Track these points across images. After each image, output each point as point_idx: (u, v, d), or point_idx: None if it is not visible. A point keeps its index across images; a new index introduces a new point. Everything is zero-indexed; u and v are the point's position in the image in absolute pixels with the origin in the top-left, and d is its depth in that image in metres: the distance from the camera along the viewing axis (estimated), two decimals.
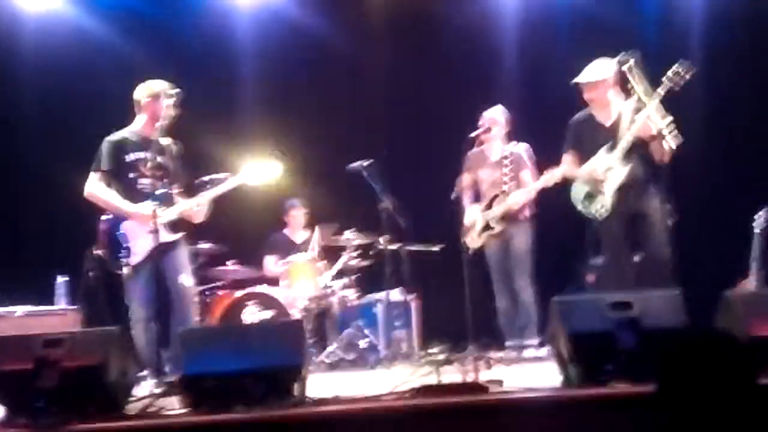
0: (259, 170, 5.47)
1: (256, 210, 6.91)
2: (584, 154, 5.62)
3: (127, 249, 5.18)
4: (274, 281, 7.11)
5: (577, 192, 5.64)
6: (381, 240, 6.92)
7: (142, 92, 5.41)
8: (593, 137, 5.58)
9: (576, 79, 5.58)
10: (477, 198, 6.47)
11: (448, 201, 5.91)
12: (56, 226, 7.36)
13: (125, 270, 5.15)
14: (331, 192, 7.34)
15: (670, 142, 5.28)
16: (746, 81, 7.31)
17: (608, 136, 5.50)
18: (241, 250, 7.31)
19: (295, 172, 5.85)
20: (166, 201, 5.31)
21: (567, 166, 5.77)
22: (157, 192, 5.25)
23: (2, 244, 7.40)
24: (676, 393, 3.13)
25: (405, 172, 7.28)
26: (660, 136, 5.29)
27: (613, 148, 5.46)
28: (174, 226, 5.33)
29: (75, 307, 6.38)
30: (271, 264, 7.39)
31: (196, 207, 5.39)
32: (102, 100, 7.03)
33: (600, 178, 5.49)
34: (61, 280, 6.48)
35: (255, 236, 7.52)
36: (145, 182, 5.28)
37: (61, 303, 6.43)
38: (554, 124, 6.02)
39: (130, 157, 5.31)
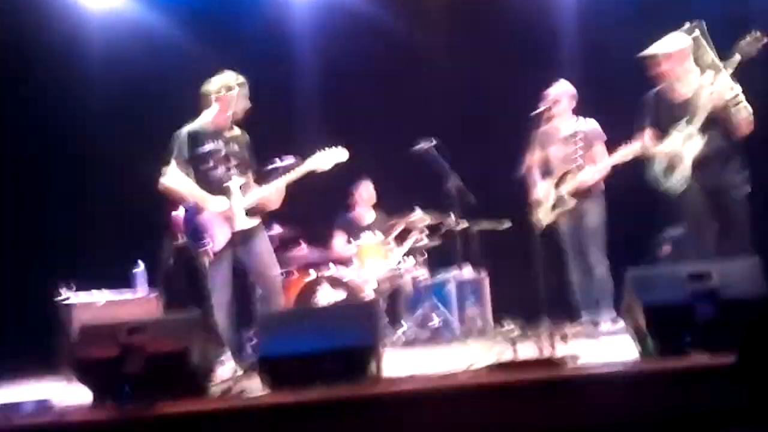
0: (327, 156, 5.59)
1: (324, 193, 6.98)
2: (660, 129, 5.53)
3: (209, 237, 5.33)
4: (344, 263, 7.19)
5: (655, 167, 5.56)
6: (449, 218, 6.99)
7: (215, 84, 5.49)
8: (669, 111, 5.48)
9: (646, 51, 5.48)
10: (546, 174, 6.43)
11: (514, 178, 5.85)
12: (128, 217, 7.52)
13: (207, 257, 5.29)
14: (397, 173, 7.37)
15: (742, 111, 5.20)
16: None
17: (684, 109, 5.40)
18: (311, 233, 7.41)
19: (360, 155, 5.91)
20: (241, 189, 5.45)
21: (643, 141, 5.70)
22: (231, 182, 5.42)
23: (78, 234, 7.63)
24: (756, 363, 3.09)
25: (470, 151, 7.26)
26: (732, 107, 5.20)
27: (689, 121, 5.36)
28: (250, 212, 5.46)
29: (155, 293, 6.57)
30: (340, 245, 7.47)
31: (271, 193, 5.51)
32: (167, 93, 7.17)
33: (677, 152, 5.41)
34: (138, 269, 6.66)
35: (324, 219, 7.61)
36: (218, 172, 5.43)
37: (139, 291, 6.61)
38: (618, 99, 5.93)
39: (204, 148, 5.43)
